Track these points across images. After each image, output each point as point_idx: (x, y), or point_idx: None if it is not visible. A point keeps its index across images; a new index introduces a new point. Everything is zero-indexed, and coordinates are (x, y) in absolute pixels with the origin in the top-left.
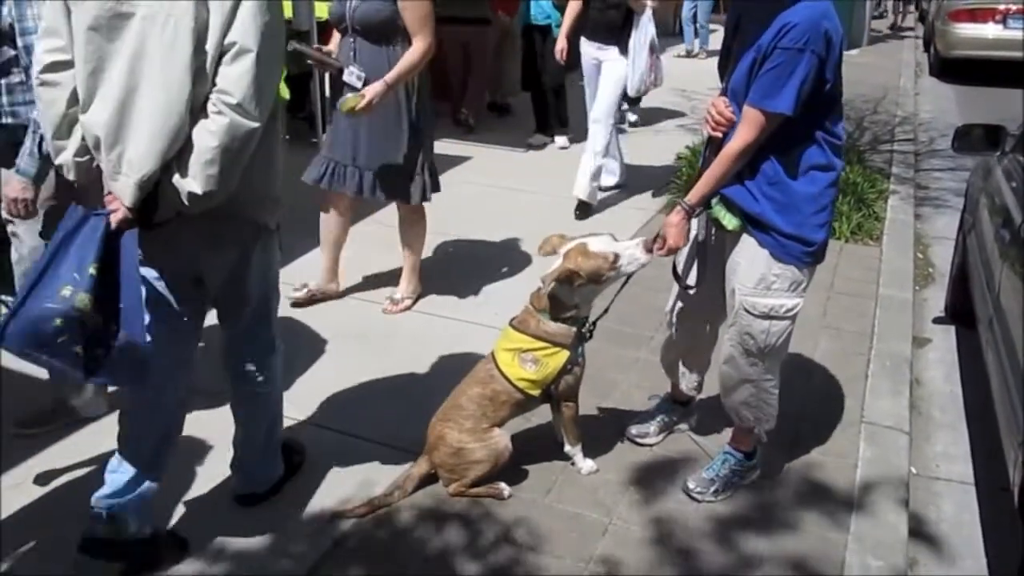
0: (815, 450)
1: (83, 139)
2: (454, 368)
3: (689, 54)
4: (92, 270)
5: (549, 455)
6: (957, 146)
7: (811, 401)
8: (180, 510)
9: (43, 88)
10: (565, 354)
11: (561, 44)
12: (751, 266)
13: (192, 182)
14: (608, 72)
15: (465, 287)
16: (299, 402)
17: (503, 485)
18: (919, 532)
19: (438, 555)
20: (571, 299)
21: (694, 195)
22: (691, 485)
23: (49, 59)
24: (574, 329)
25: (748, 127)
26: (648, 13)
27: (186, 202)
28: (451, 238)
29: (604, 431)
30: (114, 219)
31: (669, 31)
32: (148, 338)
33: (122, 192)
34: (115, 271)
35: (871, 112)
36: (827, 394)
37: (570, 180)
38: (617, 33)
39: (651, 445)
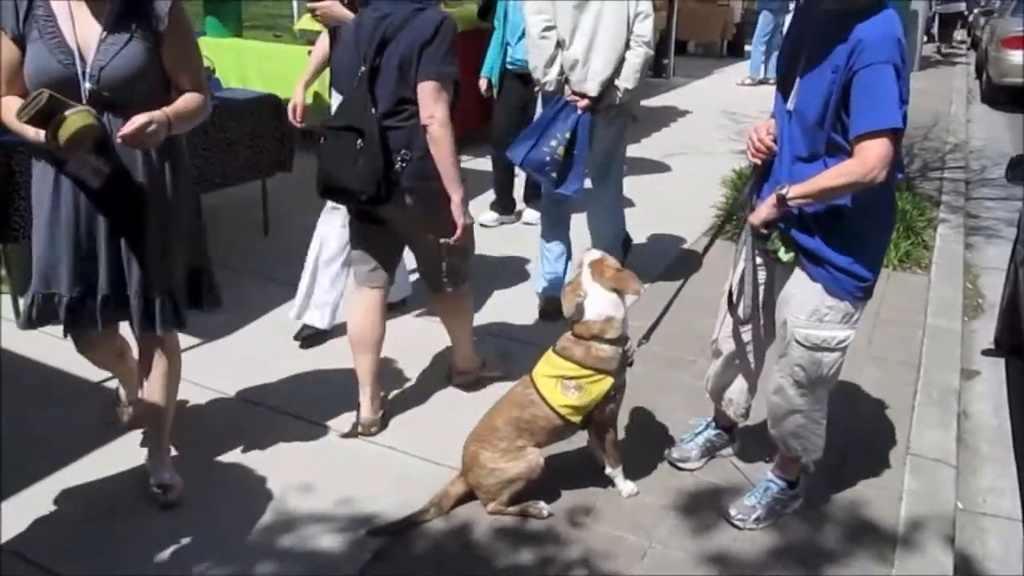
0: (860, 481)
1: (560, 66)
2: (498, 385)
3: (761, 81)
4: (568, 134)
5: (589, 476)
6: (1011, 176)
7: (856, 431)
8: (219, 522)
9: (541, 40)
10: (609, 381)
11: (297, 99)
12: (804, 298)
13: (625, 82)
14: None
15: (502, 304)
16: (340, 414)
17: (542, 504)
18: (965, 569)
19: (476, 573)
20: (619, 311)
21: (797, 190)
22: (732, 512)
23: (543, 25)
24: (620, 351)
25: (863, 159)
26: None
27: (620, 94)
28: (495, 257)
29: (645, 454)
30: (581, 106)
31: (716, 54)
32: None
33: (589, 89)
34: (575, 136)
35: (921, 139)
36: (872, 424)
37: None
38: None
39: (692, 470)
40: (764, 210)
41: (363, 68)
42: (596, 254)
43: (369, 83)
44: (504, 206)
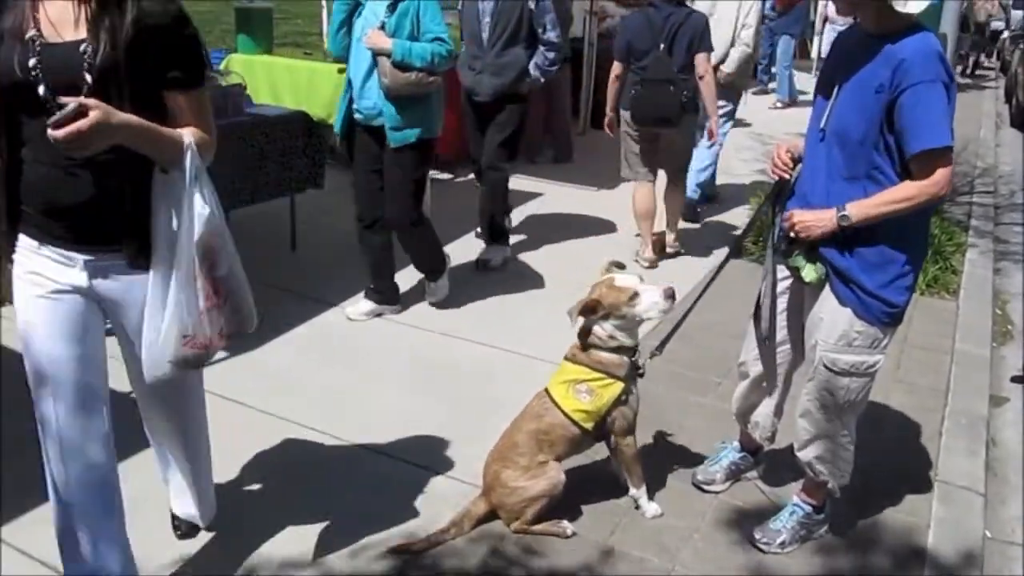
0: (887, 508)
1: None
2: (518, 400)
3: (791, 103)
4: None
5: (613, 496)
6: None
7: (883, 456)
8: (236, 537)
9: None
10: (620, 385)
11: None
12: (833, 322)
13: (727, 67)
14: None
15: (532, 321)
16: (364, 429)
17: (566, 523)
18: None
19: None
20: (602, 330)
21: (859, 212)
22: (758, 536)
23: None
24: (627, 359)
25: (933, 179)
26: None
27: (723, 77)
28: (520, 273)
29: (669, 476)
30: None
31: None
32: None
33: (701, 65)
34: None
35: None
36: (900, 450)
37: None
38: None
39: (717, 492)
40: (817, 227)
41: (662, 46)
42: (614, 276)
43: (667, 54)
44: (381, 291)
